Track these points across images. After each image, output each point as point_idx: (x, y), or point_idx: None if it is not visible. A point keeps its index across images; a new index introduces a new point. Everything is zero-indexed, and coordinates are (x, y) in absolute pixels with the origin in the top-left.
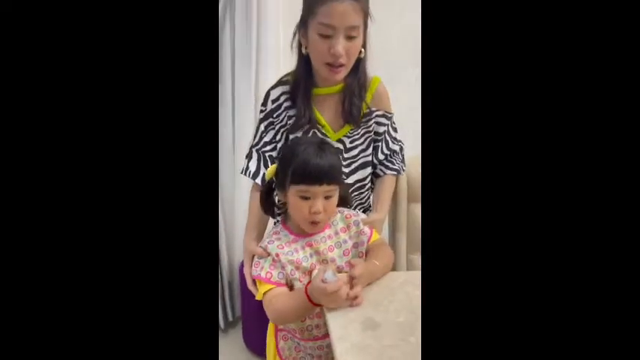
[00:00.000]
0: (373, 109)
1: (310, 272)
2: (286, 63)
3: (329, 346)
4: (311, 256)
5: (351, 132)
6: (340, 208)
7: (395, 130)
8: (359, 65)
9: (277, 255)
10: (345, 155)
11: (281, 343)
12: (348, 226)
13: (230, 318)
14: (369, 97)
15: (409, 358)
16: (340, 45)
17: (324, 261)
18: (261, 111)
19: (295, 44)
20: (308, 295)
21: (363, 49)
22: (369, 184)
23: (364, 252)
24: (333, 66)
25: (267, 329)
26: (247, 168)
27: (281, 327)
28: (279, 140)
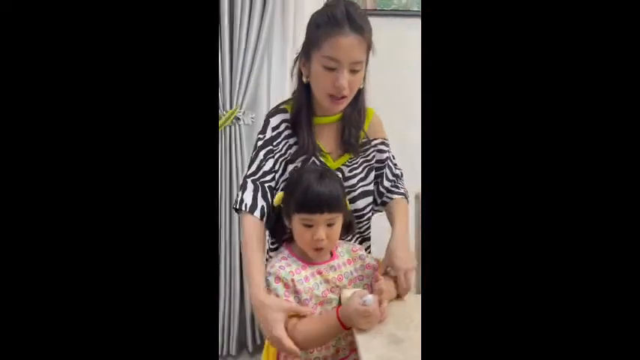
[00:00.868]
0: (371, 138)
1: (322, 302)
2: None
3: None
4: (321, 283)
5: (349, 161)
6: (348, 243)
7: (394, 157)
8: (359, 96)
9: (292, 281)
10: (344, 184)
11: None
12: (354, 260)
13: (258, 341)
14: (366, 127)
15: None
16: (345, 79)
17: (335, 288)
18: (259, 139)
19: (296, 72)
20: (340, 319)
21: (362, 81)
22: (369, 215)
23: (368, 285)
24: (335, 98)
25: None
26: (242, 200)
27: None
28: (278, 170)
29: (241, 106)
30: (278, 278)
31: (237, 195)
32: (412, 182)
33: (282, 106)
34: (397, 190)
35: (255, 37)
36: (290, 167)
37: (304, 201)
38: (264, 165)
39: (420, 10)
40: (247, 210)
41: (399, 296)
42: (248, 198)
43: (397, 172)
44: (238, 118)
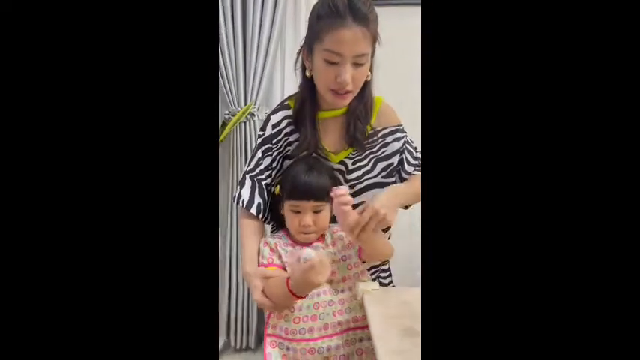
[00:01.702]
0: (378, 128)
1: None
2: None
3: (321, 350)
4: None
5: (353, 153)
6: (331, 225)
7: (412, 141)
8: (365, 89)
9: (275, 244)
10: (348, 177)
11: (268, 349)
12: (334, 241)
13: None
14: (373, 119)
15: None
16: (348, 73)
17: None
18: (259, 136)
19: (299, 66)
20: (289, 288)
21: (370, 72)
22: None
23: (352, 264)
24: (338, 93)
25: None
26: (240, 196)
27: (270, 331)
28: (276, 167)
29: (255, 102)
30: (266, 243)
31: (237, 189)
32: None
33: (286, 102)
34: (420, 169)
35: (267, 34)
36: (288, 163)
37: (292, 189)
38: (261, 163)
39: None
40: (244, 206)
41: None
42: (246, 194)
43: (418, 155)
44: (252, 114)
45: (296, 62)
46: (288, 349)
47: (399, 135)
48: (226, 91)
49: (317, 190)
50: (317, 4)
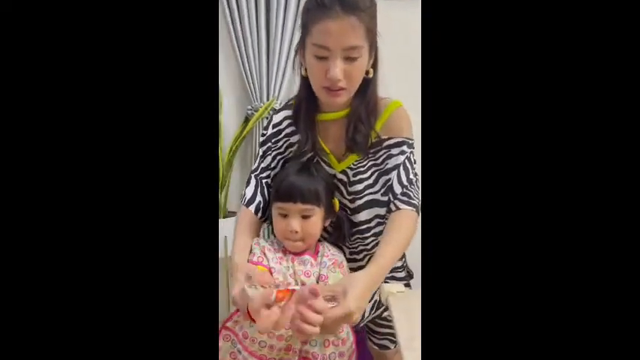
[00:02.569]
0: (384, 137)
1: (283, 284)
2: None
3: None
4: (288, 269)
5: (355, 163)
6: (334, 252)
7: (414, 161)
8: (367, 87)
9: (264, 248)
10: (349, 189)
11: (220, 342)
12: (328, 268)
13: None
14: (378, 124)
15: None
16: (337, 68)
17: (299, 280)
18: (262, 134)
19: (297, 64)
20: (250, 312)
21: (372, 69)
22: (376, 230)
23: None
24: (331, 90)
25: None
26: (244, 194)
27: (229, 325)
28: (275, 167)
29: (278, 98)
30: (258, 243)
31: (244, 189)
32: None
33: (290, 102)
34: (407, 199)
35: (290, 32)
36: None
37: (278, 189)
38: (262, 162)
39: None
40: (245, 203)
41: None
42: (249, 193)
43: (412, 177)
44: (275, 109)
45: (294, 61)
46: (239, 352)
47: (405, 149)
48: (249, 88)
49: (306, 192)
50: None
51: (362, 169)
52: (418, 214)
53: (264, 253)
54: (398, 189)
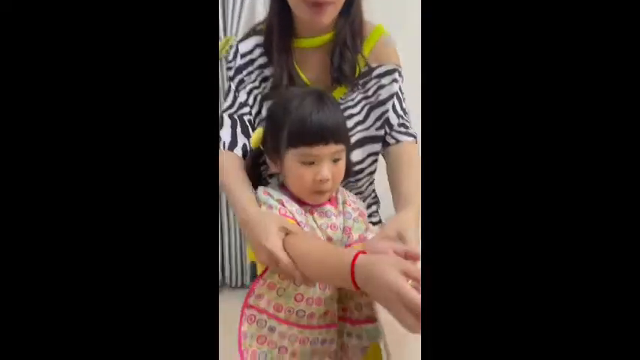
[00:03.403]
0: (374, 65)
1: None
2: None
3: (315, 342)
4: (313, 222)
5: (344, 97)
6: (354, 199)
7: (403, 92)
8: (351, 4)
9: (282, 200)
10: None
11: (244, 326)
12: (346, 209)
13: None
14: (366, 49)
15: None
16: None
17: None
18: (229, 68)
19: None
20: (354, 274)
21: None
22: (371, 169)
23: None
24: (316, 4)
25: None
26: (221, 138)
27: (252, 302)
28: (253, 105)
29: (237, 34)
30: (267, 193)
31: (220, 135)
32: None
33: (258, 27)
34: (405, 129)
35: None
36: (268, 104)
37: (303, 130)
38: (237, 97)
39: None
40: (226, 148)
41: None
42: (227, 135)
43: (405, 107)
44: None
45: None
46: (271, 329)
47: (397, 77)
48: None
49: (336, 130)
50: None
51: (351, 103)
52: (416, 139)
53: (284, 205)
54: (395, 120)
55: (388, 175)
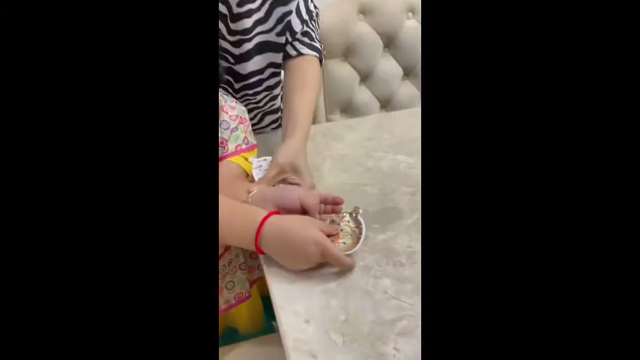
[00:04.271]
0: None
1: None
2: None
3: None
4: None
5: None
6: (232, 102)
7: None
8: None
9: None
10: (232, 26)
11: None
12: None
13: None
14: None
15: None
16: None
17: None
18: None
19: None
20: (258, 237)
21: None
22: (270, 83)
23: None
24: None
25: None
26: None
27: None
28: None
29: None
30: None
31: None
32: None
33: None
34: (309, 40)
35: None
36: None
37: None
38: None
39: None
40: None
41: None
42: None
43: (312, 8)
44: None
45: None
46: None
47: None
48: None
49: None
50: None
51: None
52: (321, 61)
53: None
54: (298, 26)
55: (283, 91)
